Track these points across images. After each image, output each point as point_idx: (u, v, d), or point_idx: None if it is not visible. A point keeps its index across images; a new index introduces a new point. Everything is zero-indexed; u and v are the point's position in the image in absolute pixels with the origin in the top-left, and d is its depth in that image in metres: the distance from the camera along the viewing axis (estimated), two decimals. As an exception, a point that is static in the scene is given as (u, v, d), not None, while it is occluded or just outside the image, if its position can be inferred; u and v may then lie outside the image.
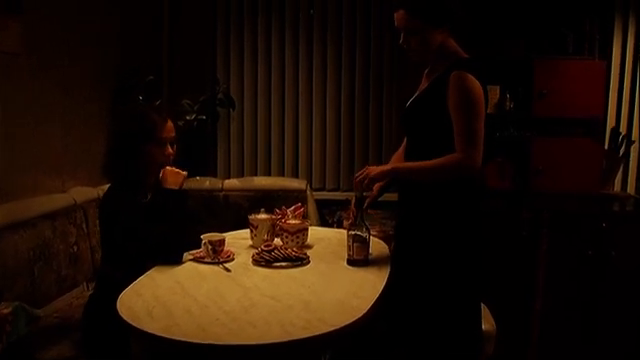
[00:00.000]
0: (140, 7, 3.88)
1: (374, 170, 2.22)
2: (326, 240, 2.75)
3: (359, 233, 2.27)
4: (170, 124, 2.42)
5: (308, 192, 3.65)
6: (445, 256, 2.19)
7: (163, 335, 1.65)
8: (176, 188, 2.38)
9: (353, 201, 2.36)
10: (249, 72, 4.03)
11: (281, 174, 4.06)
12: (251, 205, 3.47)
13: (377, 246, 2.57)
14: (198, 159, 3.80)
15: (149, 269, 2.23)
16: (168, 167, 2.40)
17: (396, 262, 2.32)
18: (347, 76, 4.03)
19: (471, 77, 2.07)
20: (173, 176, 2.39)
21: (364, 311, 1.83)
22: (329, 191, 4.03)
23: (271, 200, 3.52)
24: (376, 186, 2.41)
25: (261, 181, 3.74)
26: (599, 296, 3.22)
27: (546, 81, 3.46)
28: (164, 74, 3.87)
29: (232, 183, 3.69)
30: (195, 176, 3.67)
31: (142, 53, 3.82)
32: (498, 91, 3.60)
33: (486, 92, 2.16)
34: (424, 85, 2.31)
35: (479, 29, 3.50)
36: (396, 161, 2.51)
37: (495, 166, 3.55)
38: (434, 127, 2.17)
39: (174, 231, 2.31)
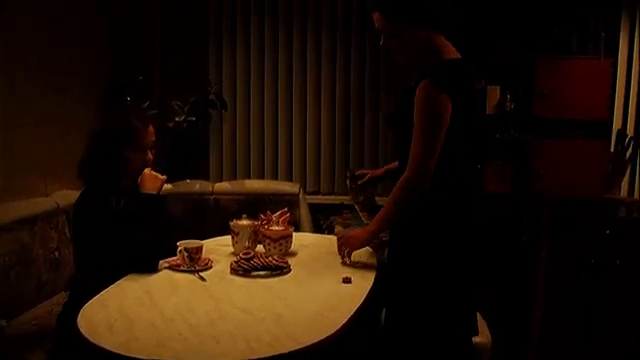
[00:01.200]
0: (131, 6, 3.80)
1: (354, 243, 2.23)
2: (312, 247, 2.64)
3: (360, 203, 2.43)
4: (151, 129, 2.35)
5: (301, 196, 3.55)
6: (435, 263, 2.07)
7: (117, 351, 1.55)
8: (154, 193, 2.29)
9: (348, 180, 2.47)
10: (242, 73, 3.94)
11: (275, 177, 3.96)
12: (242, 209, 3.36)
13: (365, 254, 2.45)
14: (189, 161, 3.72)
15: (124, 276, 2.14)
16: (147, 171, 2.32)
17: (388, 269, 2.23)
18: (342, 76, 3.93)
19: (433, 89, 1.92)
20: (151, 181, 2.30)
21: (338, 327, 1.72)
22: (324, 195, 3.92)
23: (263, 204, 3.41)
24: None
25: (252, 184, 3.64)
26: (601, 307, 3.09)
27: (548, 81, 3.33)
28: (155, 75, 3.78)
29: (223, 186, 3.59)
30: (185, 179, 3.58)
31: (132, 53, 3.74)
32: (498, 91, 3.47)
33: (465, 97, 2.02)
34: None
35: (478, 28, 3.38)
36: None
37: (494, 169, 3.42)
38: (409, 132, 2.05)
39: (150, 237, 2.23)
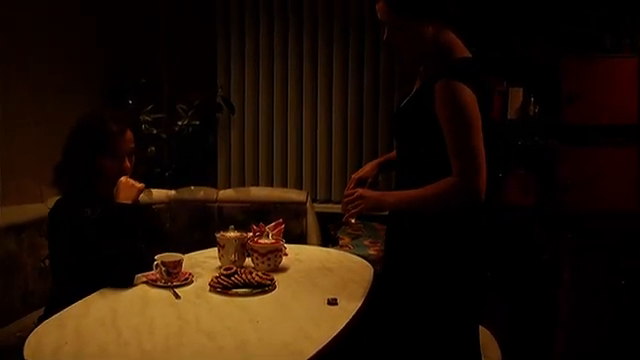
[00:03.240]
0: (135, 7, 3.71)
1: (363, 203, 1.90)
2: (307, 262, 2.44)
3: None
4: (129, 135, 2.22)
5: (308, 205, 3.36)
6: (436, 277, 1.87)
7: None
8: (129, 202, 2.15)
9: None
10: (250, 76, 3.79)
11: (284, 184, 3.79)
12: (247, 218, 3.22)
13: (357, 267, 2.33)
14: (195, 167, 3.58)
15: (98, 290, 2.01)
16: (122, 179, 2.17)
17: (383, 285, 2.05)
18: (354, 80, 3.74)
19: (458, 85, 1.76)
20: (126, 190, 2.16)
21: (306, 358, 1.53)
22: (336, 203, 3.72)
23: (268, 213, 3.26)
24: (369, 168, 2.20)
25: (258, 192, 3.47)
26: (631, 336, 2.77)
27: (577, 82, 3.06)
28: (163, 77, 3.65)
29: (227, 194, 3.44)
30: (190, 185, 3.45)
31: (135, 55, 3.64)
32: (521, 94, 3.22)
33: (485, 95, 1.84)
34: (417, 86, 2.01)
35: (499, 25, 3.13)
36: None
37: (517, 179, 3.15)
38: (423, 137, 1.88)
39: (124, 250, 2.09)
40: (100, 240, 2.07)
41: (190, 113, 3.42)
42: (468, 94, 1.76)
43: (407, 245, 1.94)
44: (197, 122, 3.40)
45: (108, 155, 2.15)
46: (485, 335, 2.32)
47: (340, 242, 3.28)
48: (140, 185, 2.19)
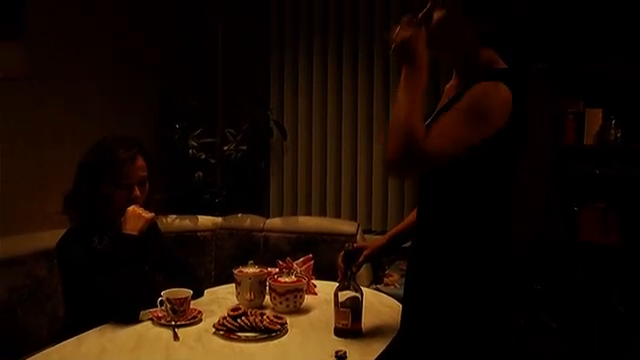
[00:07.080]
0: (188, 30, 3.70)
1: (408, 39, 1.60)
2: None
3: (346, 294, 1.83)
4: (140, 162, 2.09)
5: (359, 237, 3.11)
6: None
7: None
8: (135, 233, 2.02)
9: (341, 255, 1.95)
10: (303, 101, 3.63)
11: (337, 214, 3.56)
12: (293, 249, 3.05)
13: (387, 312, 2.09)
14: (246, 194, 3.44)
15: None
16: (130, 208, 2.05)
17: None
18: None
19: (505, 89, 1.50)
20: (133, 220, 2.03)
21: None
22: (392, 235, 3.43)
23: (315, 244, 3.07)
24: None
25: (306, 222, 3.26)
26: None
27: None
28: (218, 101, 3.55)
29: (274, 223, 3.26)
30: (238, 213, 3.31)
31: (187, 78, 3.59)
32: (600, 116, 2.79)
33: (520, 106, 1.54)
34: (444, 101, 1.73)
35: (573, 35, 2.74)
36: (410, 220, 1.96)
37: (595, 214, 2.72)
38: (455, 167, 1.56)
39: (127, 284, 1.95)
40: (104, 272, 1.96)
41: (238, 138, 3.30)
42: (505, 99, 1.50)
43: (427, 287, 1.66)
44: (244, 147, 3.26)
45: (116, 184, 2.04)
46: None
47: (386, 280, 2.98)
48: (149, 215, 2.05)
